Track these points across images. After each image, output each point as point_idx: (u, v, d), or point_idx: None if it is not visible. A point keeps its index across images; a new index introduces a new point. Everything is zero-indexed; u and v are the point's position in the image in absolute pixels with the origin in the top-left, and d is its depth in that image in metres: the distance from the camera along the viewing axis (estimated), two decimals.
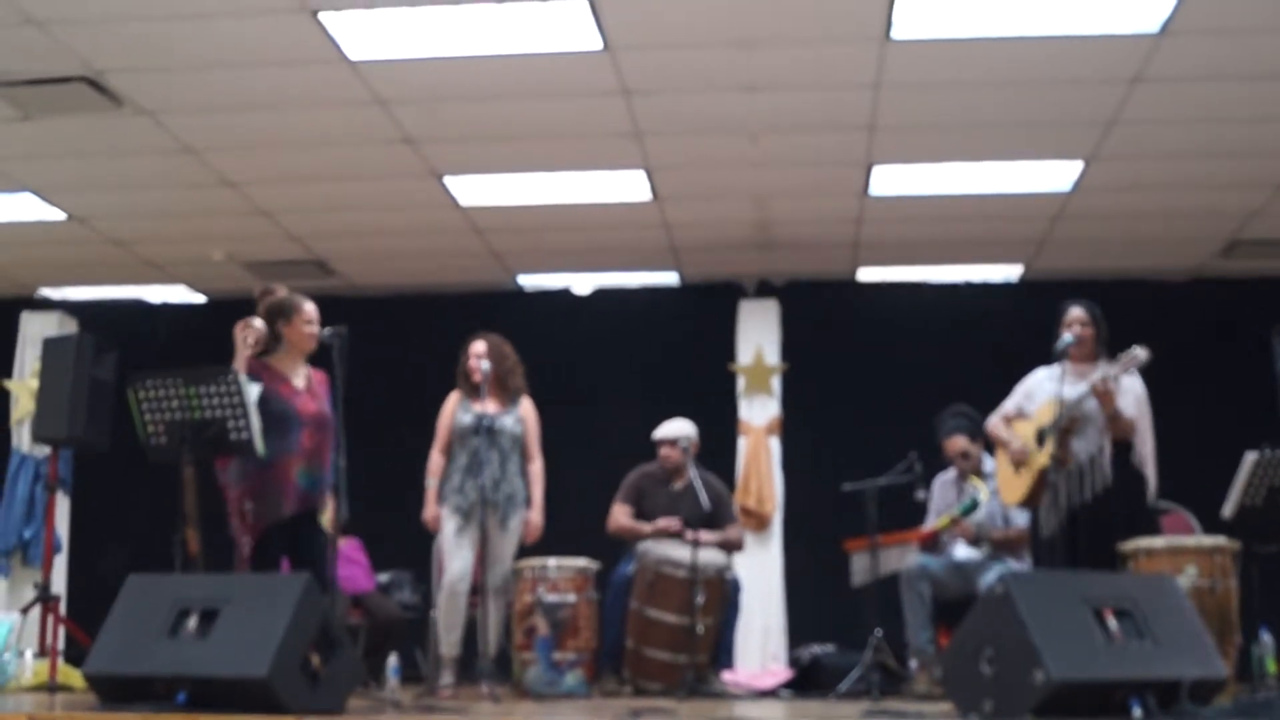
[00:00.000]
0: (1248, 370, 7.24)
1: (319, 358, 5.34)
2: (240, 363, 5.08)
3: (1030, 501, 5.54)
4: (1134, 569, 5.16)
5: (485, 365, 5.84)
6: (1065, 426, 5.32)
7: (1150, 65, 5.50)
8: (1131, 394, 5.39)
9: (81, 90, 5.71)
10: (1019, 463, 5.58)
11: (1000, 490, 5.85)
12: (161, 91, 5.83)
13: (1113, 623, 3.81)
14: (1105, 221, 7.53)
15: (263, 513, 5.12)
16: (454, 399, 5.99)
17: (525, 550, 6.00)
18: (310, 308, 5.33)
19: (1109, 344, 5.50)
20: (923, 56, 5.50)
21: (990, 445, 6.13)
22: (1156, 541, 5.25)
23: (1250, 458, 5.40)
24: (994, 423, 5.78)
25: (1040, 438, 5.45)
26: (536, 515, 5.91)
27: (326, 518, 5.25)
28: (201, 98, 5.90)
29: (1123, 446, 5.37)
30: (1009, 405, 5.74)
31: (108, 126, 6.14)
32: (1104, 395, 5.26)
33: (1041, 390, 5.54)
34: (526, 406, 6.01)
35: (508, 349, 6.02)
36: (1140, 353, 5.19)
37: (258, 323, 5.17)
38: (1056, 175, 6.86)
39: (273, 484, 5.11)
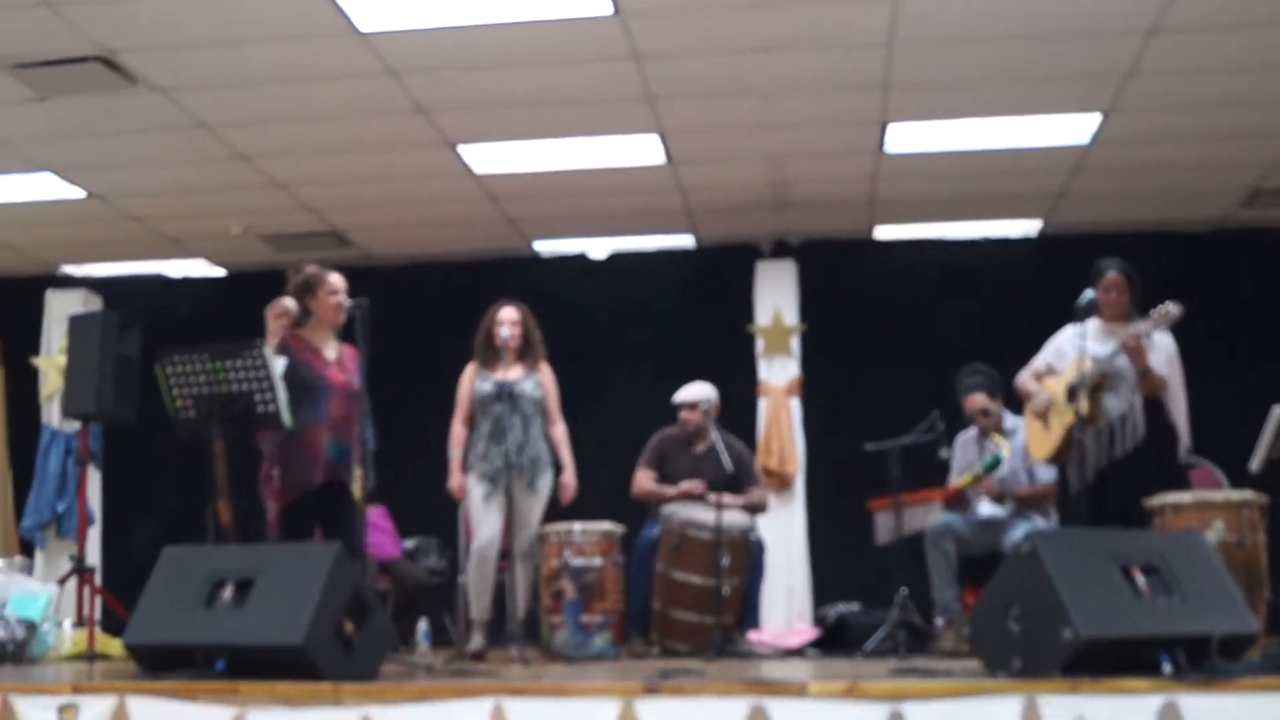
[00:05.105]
0: (1271, 321, 7.23)
1: (348, 332, 5.40)
2: (272, 344, 5.14)
3: (1058, 457, 5.55)
4: (1161, 524, 5.16)
5: (506, 333, 5.87)
6: (1096, 383, 5.31)
7: (1168, 15, 5.45)
8: (1163, 350, 5.38)
9: (96, 70, 5.73)
10: (1040, 415, 5.58)
11: (1029, 445, 5.86)
12: (175, 69, 5.85)
13: (1141, 579, 3.82)
14: (1125, 174, 7.49)
15: (291, 481, 5.20)
16: (471, 369, 6.02)
17: (551, 514, 6.04)
18: (335, 279, 5.40)
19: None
20: (936, 11, 5.46)
21: (1012, 401, 6.14)
22: (1184, 496, 5.25)
23: (1277, 411, 5.38)
24: (1023, 378, 5.78)
25: (1071, 394, 5.44)
26: (570, 476, 5.94)
27: (357, 487, 5.32)
28: (214, 74, 5.92)
29: (1154, 403, 5.37)
30: (1039, 362, 5.74)
31: (123, 105, 6.16)
32: (1134, 351, 5.25)
33: (1071, 347, 5.52)
34: (545, 371, 6.04)
35: (531, 318, 6.05)
36: (1173, 309, 5.17)
37: (287, 302, 5.25)
38: (1074, 128, 6.81)
39: (301, 453, 5.20)
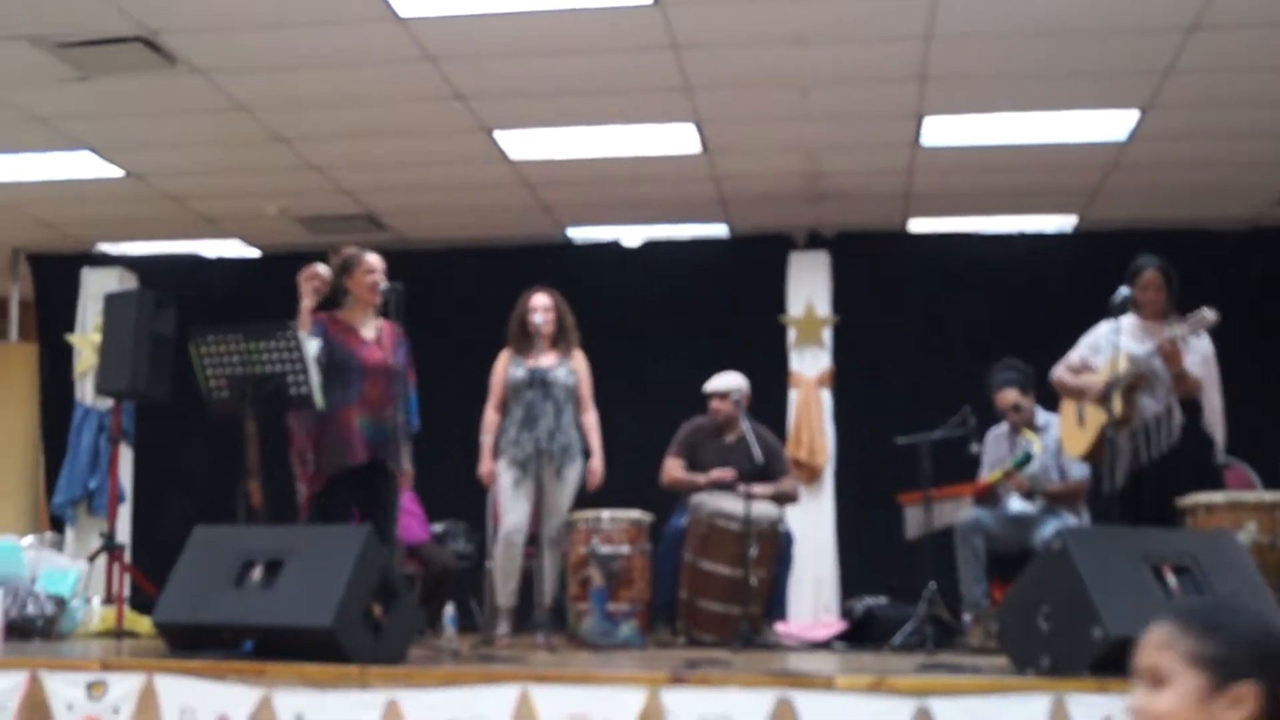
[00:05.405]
0: None
1: (384, 315, 5.43)
2: (304, 309, 5.18)
3: (1094, 455, 5.50)
4: (1194, 525, 5.12)
5: (539, 319, 5.88)
6: (1132, 383, 5.27)
7: (1207, 12, 5.38)
8: (1199, 353, 5.34)
9: (137, 50, 5.77)
10: (1097, 402, 5.51)
11: (1064, 441, 5.82)
12: (215, 50, 5.88)
13: (1172, 579, 3.80)
14: (1161, 171, 7.42)
15: (325, 463, 5.22)
16: (505, 356, 6.04)
17: (581, 501, 6.05)
18: (372, 258, 5.44)
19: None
20: (974, 5, 5.42)
21: (1045, 397, 6.09)
22: (1216, 497, 5.20)
23: None
24: (1059, 372, 5.74)
25: (1107, 392, 5.40)
26: (598, 462, 5.96)
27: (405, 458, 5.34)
28: (254, 57, 5.95)
29: (1190, 404, 5.32)
30: (1074, 358, 5.69)
31: (163, 85, 6.20)
32: (1170, 355, 5.21)
33: (1107, 343, 5.48)
34: (579, 359, 6.05)
35: (564, 304, 6.06)
36: (1209, 315, 5.13)
37: (322, 269, 5.28)
38: (1112, 124, 6.75)
39: (334, 434, 5.22)
